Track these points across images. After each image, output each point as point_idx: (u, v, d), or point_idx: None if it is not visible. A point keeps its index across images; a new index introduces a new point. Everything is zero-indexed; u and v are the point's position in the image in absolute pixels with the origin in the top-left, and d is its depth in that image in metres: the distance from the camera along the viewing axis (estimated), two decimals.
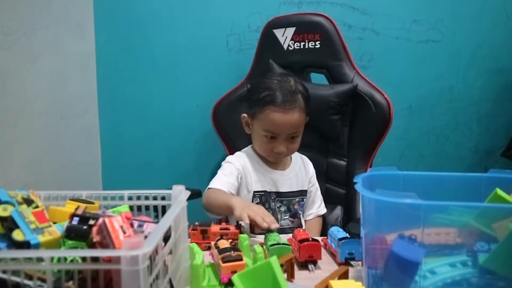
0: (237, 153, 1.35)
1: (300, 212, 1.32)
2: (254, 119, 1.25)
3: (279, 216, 1.28)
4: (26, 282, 0.57)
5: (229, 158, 1.33)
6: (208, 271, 0.87)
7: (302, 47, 1.57)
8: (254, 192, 1.27)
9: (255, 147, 1.32)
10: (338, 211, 1.47)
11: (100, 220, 0.60)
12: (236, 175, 1.25)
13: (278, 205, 1.28)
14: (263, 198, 1.28)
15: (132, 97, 1.88)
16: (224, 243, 0.87)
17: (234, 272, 0.77)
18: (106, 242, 0.58)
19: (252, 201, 1.26)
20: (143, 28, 1.84)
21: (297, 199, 1.31)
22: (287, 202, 1.30)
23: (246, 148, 1.37)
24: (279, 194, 1.29)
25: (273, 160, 1.29)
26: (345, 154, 1.53)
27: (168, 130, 1.90)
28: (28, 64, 1.43)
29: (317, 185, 1.39)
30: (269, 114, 1.19)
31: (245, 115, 1.30)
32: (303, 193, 1.32)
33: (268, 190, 1.28)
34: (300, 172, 1.34)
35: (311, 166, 1.40)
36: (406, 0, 1.86)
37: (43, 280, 0.57)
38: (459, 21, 1.87)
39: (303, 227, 1.31)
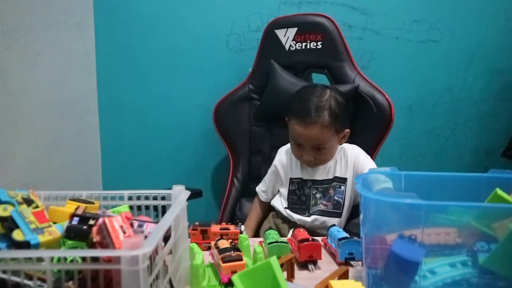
0: (288, 144, 1.42)
1: (338, 198, 1.32)
2: (288, 124, 1.32)
3: (313, 202, 1.33)
4: (26, 282, 0.57)
5: (278, 151, 1.45)
6: (208, 271, 0.87)
7: (303, 47, 1.57)
8: (291, 178, 1.37)
9: None
10: None
11: (100, 220, 0.60)
12: (273, 170, 1.42)
13: (313, 192, 1.33)
14: (299, 184, 1.35)
15: (132, 97, 1.88)
16: (224, 243, 0.87)
17: (234, 272, 0.77)
18: (106, 242, 0.58)
19: (289, 187, 1.37)
20: (143, 28, 1.84)
21: (332, 185, 1.32)
22: (323, 189, 1.33)
23: None
24: (314, 182, 1.33)
25: (305, 165, 1.33)
26: None
27: (168, 130, 1.90)
28: (28, 64, 1.43)
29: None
30: (293, 124, 1.26)
31: (286, 118, 1.34)
32: (341, 180, 1.33)
33: (304, 178, 1.34)
34: (340, 160, 1.34)
35: (357, 156, 1.33)
36: (406, 0, 1.86)
37: (43, 280, 0.57)
38: (459, 21, 1.87)
39: (344, 213, 1.32)
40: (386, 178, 0.93)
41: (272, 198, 1.43)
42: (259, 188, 1.46)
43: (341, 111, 1.27)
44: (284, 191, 1.38)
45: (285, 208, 1.36)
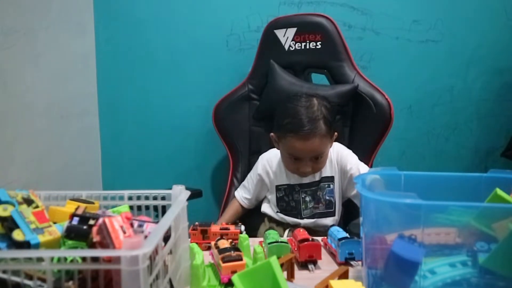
0: (269, 151, 1.43)
1: (328, 198, 1.33)
2: (279, 141, 1.30)
3: (303, 206, 1.32)
4: (26, 282, 0.57)
5: (258, 160, 1.43)
6: (208, 271, 0.87)
7: (303, 47, 1.57)
8: (277, 186, 1.35)
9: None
10: None
11: (100, 220, 0.60)
12: (258, 179, 1.39)
13: (303, 196, 1.33)
14: (286, 191, 1.34)
15: (132, 97, 1.88)
16: (224, 243, 0.87)
17: (234, 272, 0.77)
18: (106, 242, 0.58)
19: (276, 195, 1.35)
20: (143, 28, 1.84)
21: (320, 186, 1.33)
22: (312, 192, 1.33)
23: None
24: (302, 186, 1.33)
25: (300, 176, 1.32)
26: None
27: (168, 130, 1.90)
28: (28, 64, 1.43)
29: (359, 170, 1.32)
30: (290, 141, 1.23)
31: (273, 134, 1.33)
32: (329, 179, 1.33)
33: (291, 183, 1.33)
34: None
35: (339, 152, 1.36)
36: (406, 0, 1.85)
37: (43, 280, 0.57)
38: (459, 21, 1.87)
39: (336, 212, 1.34)
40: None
41: (255, 204, 1.43)
42: (241, 195, 1.43)
43: (332, 117, 1.28)
44: (272, 198, 1.37)
45: (277, 212, 1.36)
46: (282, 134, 1.26)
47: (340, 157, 1.34)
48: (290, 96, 1.35)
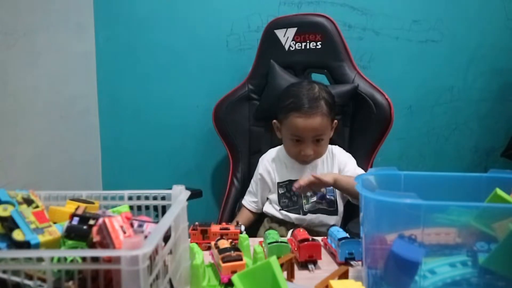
0: (268, 152, 1.45)
1: (329, 196, 1.34)
2: (282, 124, 1.34)
3: (305, 201, 1.34)
4: (26, 282, 0.57)
5: (258, 162, 1.46)
6: (208, 271, 0.87)
7: (303, 47, 1.58)
8: (278, 183, 1.38)
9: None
10: None
11: (100, 220, 0.60)
12: (259, 178, 1.42)
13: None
14: (288, 186, 1.36)
15: (132, 97, 1.88)
16: (224, 243, 0.87)
17: (234, 272, 0.77)
18: (106, 242, 0.58)
19: (278, 192, 1.37)
20: (143, 28, 1.84)
21: None
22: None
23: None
24: None
25: (301, 163, 1.35)
26: None
27: (168, 130, 1.90)
28: (28, 64, 1.43)
29: (354, 172, 1.33)
30: (293, 119, 1.27)
31: (275, 121, 1.37)
32: None
33: (292, 179, 1.34)
34: (326, 160, 1.38)
35: (339, 154, 1.38)
36: (406, 0, 1.86)
37: (43, 280, 0.57)
38: (459, 21, 1.87)
39: (339, 211, 1.35)
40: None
41: (262, 207, 1.44)
42: (248, 200, 1.45)
43: (332, 101, 1.32)
44: (274, 196, 1.38)
45: (280, 210, 1.36)
46: (284, 115, 1.30)
47: (341, 158, 1.37)
48: (292, 83, 1.39)
